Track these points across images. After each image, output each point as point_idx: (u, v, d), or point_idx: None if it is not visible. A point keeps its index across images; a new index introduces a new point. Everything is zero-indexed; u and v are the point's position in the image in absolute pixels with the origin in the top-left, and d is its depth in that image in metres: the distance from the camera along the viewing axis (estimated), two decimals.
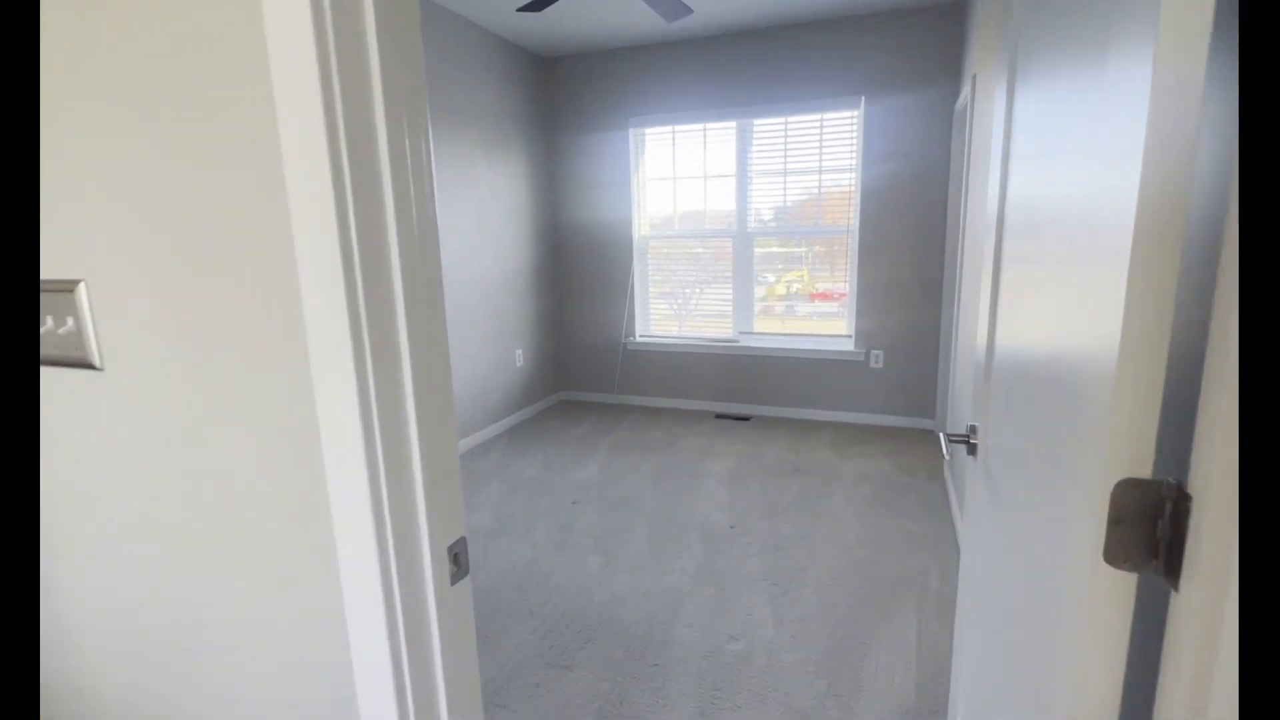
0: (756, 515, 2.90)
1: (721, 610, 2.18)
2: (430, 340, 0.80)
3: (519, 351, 4.36)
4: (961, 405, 2.75)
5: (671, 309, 4.66)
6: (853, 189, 4.02)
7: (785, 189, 4.17)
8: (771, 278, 4.37)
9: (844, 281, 4.21)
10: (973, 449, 1.27)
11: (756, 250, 4.34)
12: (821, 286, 4.28)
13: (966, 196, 3.02)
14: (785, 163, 4.13)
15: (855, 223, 4.04)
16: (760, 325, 4.44)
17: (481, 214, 3.90)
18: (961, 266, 3.09)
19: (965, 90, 3.21)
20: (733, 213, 4.33)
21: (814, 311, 4.31)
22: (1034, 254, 0.93)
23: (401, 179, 0.74)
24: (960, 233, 3.67)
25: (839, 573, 2.41)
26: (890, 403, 4.14)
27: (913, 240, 3.90)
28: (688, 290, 4.59)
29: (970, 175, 2.96)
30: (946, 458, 2.28)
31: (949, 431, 2.04)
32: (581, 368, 4.89)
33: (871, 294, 4.05)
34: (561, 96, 4.51)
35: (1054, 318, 0.80)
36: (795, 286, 4.32)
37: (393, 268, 0.75)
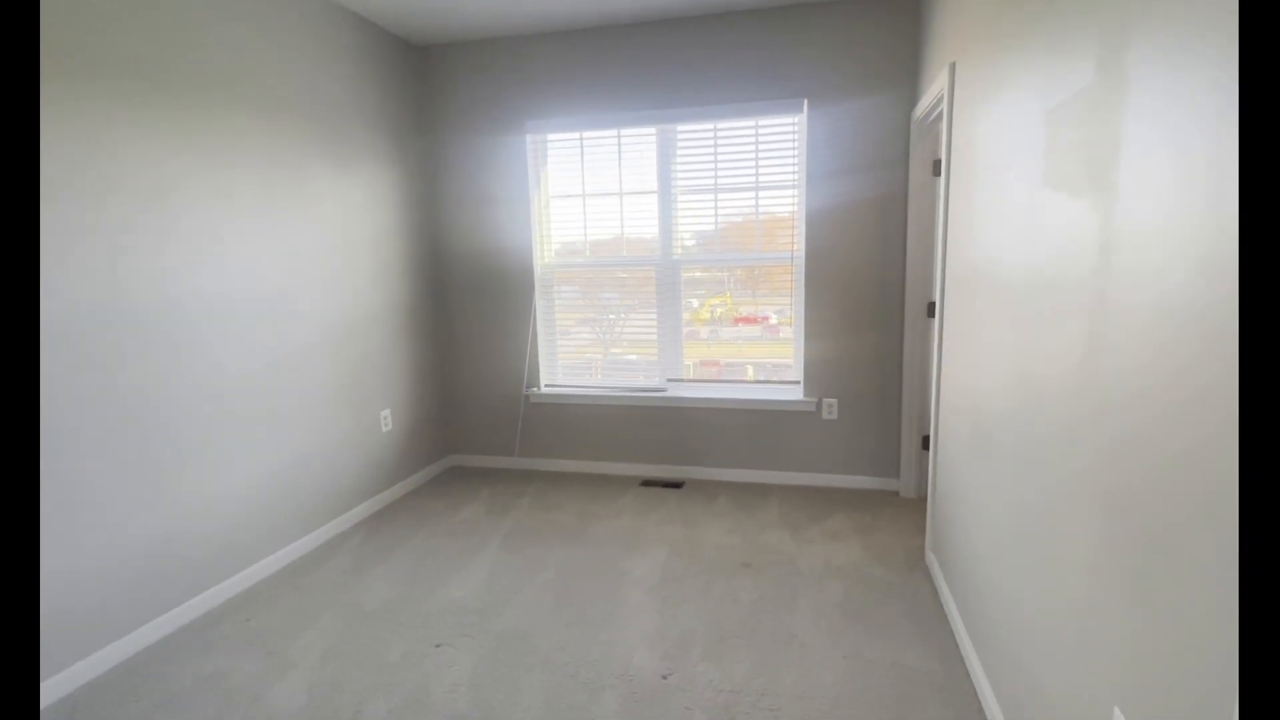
0: (697, 649, 2.09)
1: None
2: None
3: (386, 413, 3.40)
4: (944, 465, 2.08)
5: (583, 354, 3.84)
6: (795, 210, 3.38)
7: (716, 209, 3.48)
8: (695, 303, 3.66)
9: (768, 305, 3.55)
10: None
11: (689, 275, 3.62)
12: (744, 310, 3.60)
13: (947, 219, 2.39)
14: (716, 177, 3.45)
15: (800, 249, 3.39)
16: (692, 363, 3.69)
17: (326, 236, 2.97)
18: (943, 302, 2.45)
19: (932, 90, 2.63)
20: (655, 239, 3.59)
21: (739, 336, 3.62)
22: None
23: None
24: (935, 262, 3.08)
25: None
26: (848, 460, 3.48)
27: (868, 271, 3.29)
28: (603, 331, 3.80)
29: (951, 191, 2.34)
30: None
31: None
32: (475, 426, 3.97)
33: (821, 334, 3.40)
34: (440, 93, 3.66)
35: None
36: (719, 310, 3.62)
37: None
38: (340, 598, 2.46)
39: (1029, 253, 1.52)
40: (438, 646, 2.13)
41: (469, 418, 3.96)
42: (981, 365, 1.93)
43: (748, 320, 3.59)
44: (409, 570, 2.66)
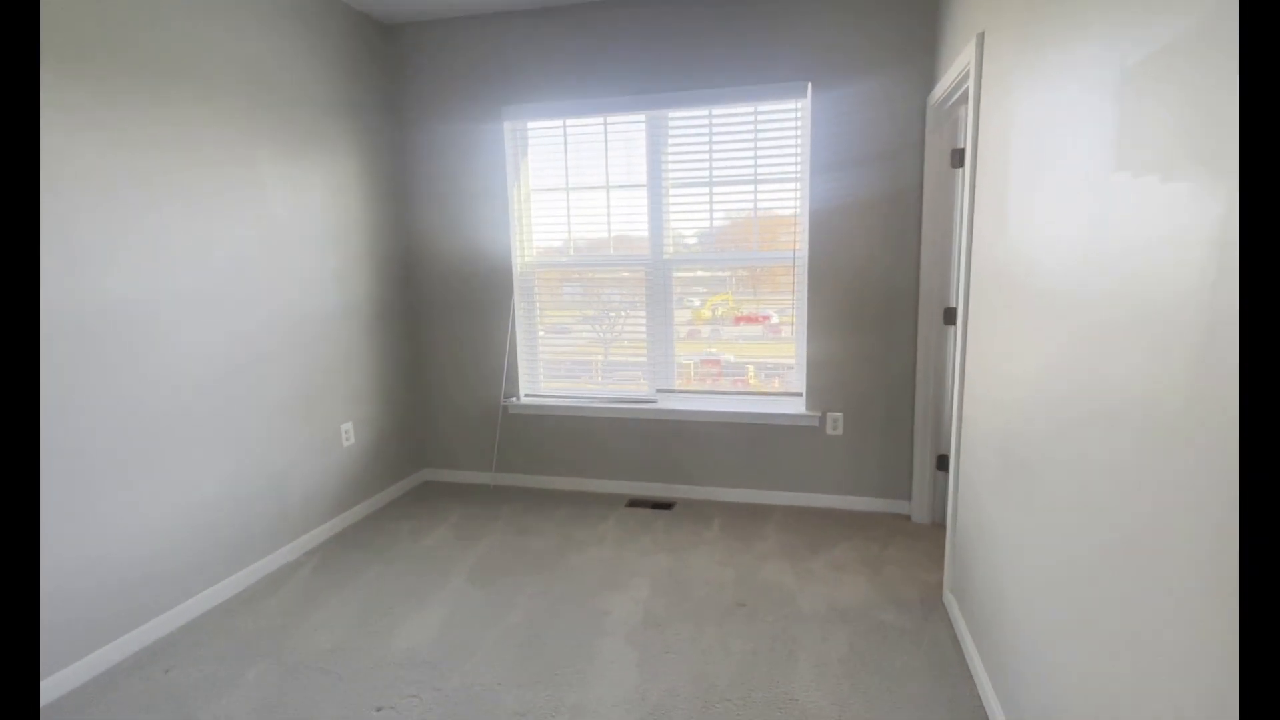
0: (680, 717, 1.78)
1: None
2: None
3: (347, 426, 3.10)
4: (967, 493, 1.76)
5: (567, 360, 3.54)
6: (798, 204, 3.07)
7: (711, 204, 3.18)
8: (697, 301, 3.35)
9: (769, 304, 3.24)
10: None
11: (678, 276, 3.31)
12: (746, 309, 3.29)
13: (972, 215, 2.09)
14: (711, 169, 3.14)
15: (802, 248, 3.08)
16: (693, 362, 3.39)
17: (278, 232, 2.67)
18: (966, 309, 2.15)
19: (954, 68, 2.32)
20: (645, 237, 3.29)
21: (740, 335, 3.31)
22: None
23: None
24: (953, 264, 2.77)
25: None
26: (855, 480, 3.17)
27: (877, 273, 2.98)
28: (589, 337, 3.49)
29: (979, 182, 2.03)
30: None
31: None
32: (450, 439, 3.66)
33: (826, 342, 3.09)
34: (410, 76, 3.36)
35: None
36: (721, 310, 3.31)
37: None
38: (276, 644, 2.15)
39: (1095, 251, 1.21)
40: (378, 710, 1.82)
41: (443, 430, 3.66)
42: (1017, 381, 1.62)
43: (749, 319, 3.28)
44: (359, 610, 2.35)
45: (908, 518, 3.07)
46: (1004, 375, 1.74)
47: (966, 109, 2.63)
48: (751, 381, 3.30)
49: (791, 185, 3.07)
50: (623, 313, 3.41)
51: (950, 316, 2.84)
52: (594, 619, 2.26)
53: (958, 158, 2.72)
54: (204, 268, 2.34)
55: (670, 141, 3.18)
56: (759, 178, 3.09)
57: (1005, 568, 1.70)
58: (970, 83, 2.03)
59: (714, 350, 3.35)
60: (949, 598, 2.27)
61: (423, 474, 3.70)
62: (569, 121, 3.27)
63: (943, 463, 2.95)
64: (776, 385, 3.27)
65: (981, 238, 1.99)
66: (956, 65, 2.28)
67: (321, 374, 2.92)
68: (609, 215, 3.32)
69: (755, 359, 3.30)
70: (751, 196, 3.12)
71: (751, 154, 3.08)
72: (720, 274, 3.29)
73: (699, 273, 3.30)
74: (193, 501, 2.33)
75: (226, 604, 2.41)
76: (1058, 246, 1.39)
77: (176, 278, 2.25)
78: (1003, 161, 1.77)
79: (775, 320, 3.24)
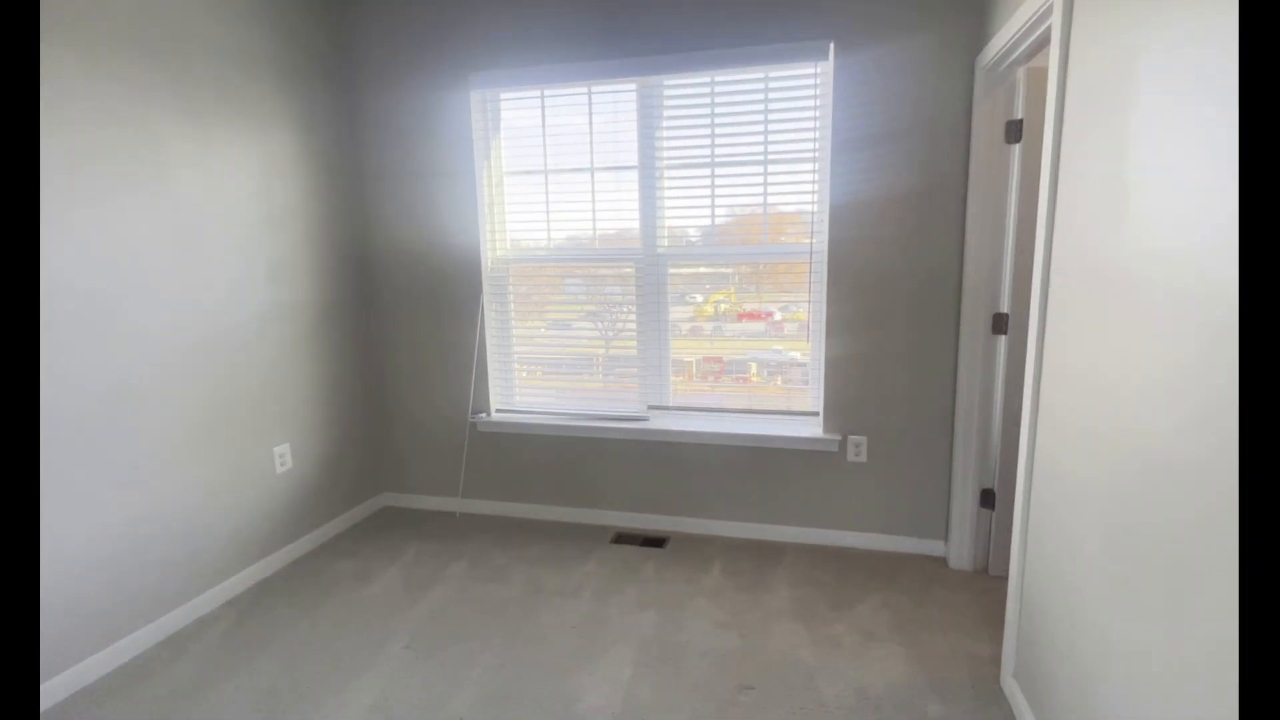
0: None
1: None
2: None
3: (283, 448, 2.62)
4: (1040, 549, 1.28)
5: (544, 371, 3.06)
6: (815, 189, 2.59)
7: (714, 188, 2.69)
8: (700, 298, 2.86)
9: (774, 303, 2.76)
10: None
11: (675, 274, 2.83)
12: (750, 306, 2.81)
13: (1053, 198, 1.60)
14: (713, 146, 2.66)
15: (820, 241, 2.60)
16: (695, 360, 2.90)
17: (188, 219, 2.19)
18: (1043, 314, 1.66)
19: (1017, 17, 1.83)
20: (635, 227, 2.81)
21: (743, 332, 2.82)
22: None
23: None
24: (1006, 260, 2.27)
25: None
26: (881, 515, 2.69)
27: (910, 271, 2.49)
28: (569, 342, 3.01)
29: (1066, 155, 1.54)
30: None
31: None
32: (412, 459, 3.20)
33: (848, 352, 2.61)
34: (361, 37, 2.87)
35: None
36: (724, 306, 2.83)
37: None
38: None
39: None
40: None
41: (404, 450, 3.19)
42: (1148, 428, 1.14)
43: (752, 316, 2.80)
44: (266, 691, 1.88)
45: (944, 562, 2.59)
46: (1119, 414, 1.26)
47: (1026, 72, 2.14)
48: (754, 379, 2.82)
49: (807, 167, 2.58)
50: (609, 317, 2.93)
51: (1001, 324, 2.35)
52: (561, 709, 1.79)
53: (1014, 131, 2.23)
54: (86, 264, 1.87)
55: (665, 115, 2.69)
56: (770, 157, 2.61)
57: (1117, 682, 1.22)
58: (1055, 18, 1.54)
59: (716, 349, 2.87)
60: (1010, 684, 1.79)
61: (382, 498, 3.24)
62: (547, 91, 2.79)
63: (988, 499, 2.47)
64: (780, 383, 2.79)
65: (1071, 226, 1.50)
66: (1021, 13, 1.79)
67: (247, 389, 2.45)
68: (594, 202, 2.84)
69: (759, 356, 2.82)
70: (761, 179, 2.63)
71: (761, 129, 2.59)
72: (724, 270, 2.81)
73: (701, 269, 2.82)
74: (72, 552, 1.86)
75: (107, 680, 1.94)
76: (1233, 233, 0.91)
77: (47, 278, 1.78)
78: (1119, 123, 1.28)
79: (778, 317, 2.76)
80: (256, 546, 2.51)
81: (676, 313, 2.86)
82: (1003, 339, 2.35)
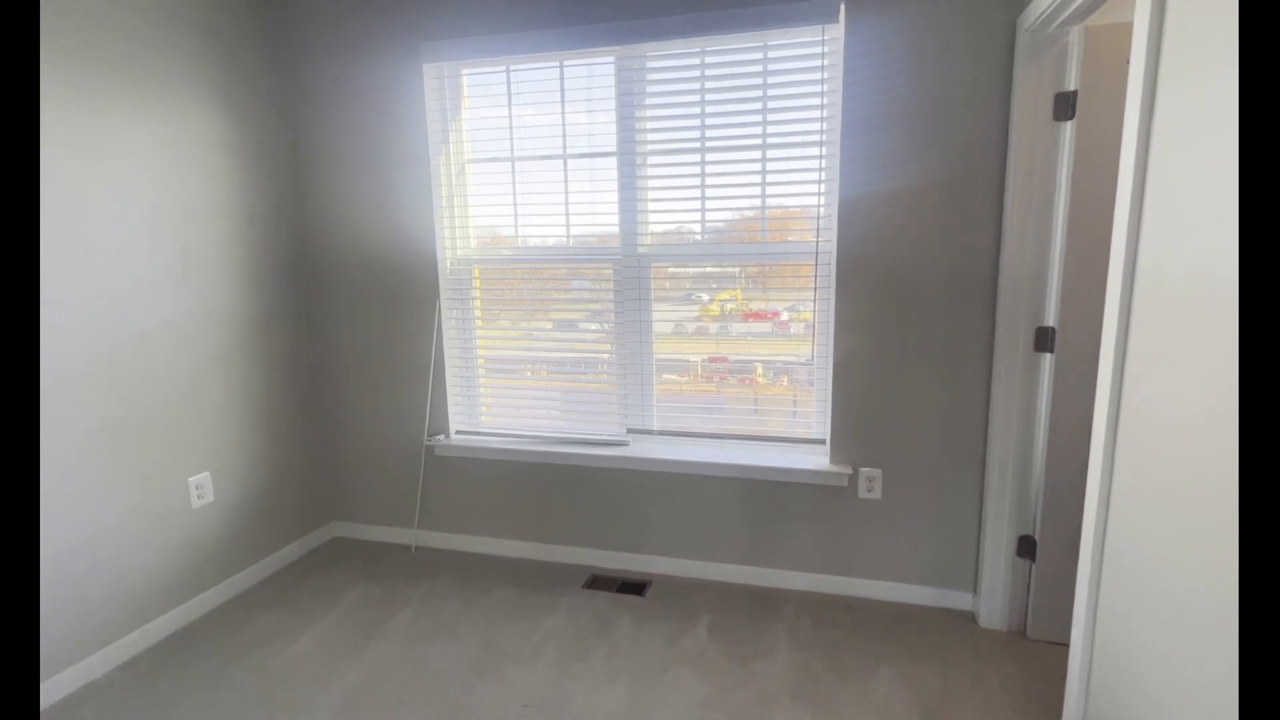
0: None
1: None
2: None
3: (201, 478, 2.26)
4: (1123, 624, 0.94)
5: (509, 387, 2.68)
6: (822, 179, 2.20)
7: (703, 179, 2.31)
8: (706, 297, 2.47)
9: (778, 301, 2.37)
10: None
11: (679, 271, 2.45)
12: (755, 306, 2.42)
13: (1140, 183, 1.20)
14: (703, 129, 2.28)
15: (829, 238, 2.21)
16: (699, 360, 2.52)
17: (70, 212, 1.83)
18: (1125, 330, 1.26)
19: None
20: (613, 222, 2.43)
21: (749, 331, 2.43)
22: None
23: None
24: (1052, 260, 1.88)
25: None
26: (897, 561, 2.30)
27: (935, 275, 2.10)
28: (538, 355, 2.64)
29: (1160, 123, 1.15)
30: None
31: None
32: (363, 486, 2.83)
33: (860, 370, 2.22)
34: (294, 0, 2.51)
35: None
36: (729, 306, 2.44)
37: None
38: None
39: None
40: None
41: (355, 475, 2.82)
42: None
43: (758, 316, 2.41)
44: None
45: (972, 618, 2.20)
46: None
47: (1081, 32, 1.75)
48: (759, 380, 2.43)
49: (814, 150, 2.19)
50: (584, 327, 2.56)
51: (1046, 340, 1.96)
52: None
53: (1065, 106, 1.84)
54: None
55: (649, 93, 2.31)
56: (769, 141, 2.22)
57: None
58: None
59: (721, 349, 2.48)
60: None
61: (332, 529, 2.87)
62: (514, 66, 2.42)
63: (1027, 547, 2.07)
64: (785, 383, 2.40)
65: (1165, 217, 1.11)
66: None
67: (157, 410, 2.09)
68: (567, 194, 2.46)
69: (763, 357, 2.42)
70: (759, 166, 2.25)
71: (759, 106, 2.21)
72: (710, 269, 2.42)
73: (689, 269, 2.44)
74: None
75: None
76: None
77: None
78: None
79: (785, 317, 2.37)
80: (163, 597, 2.15)
81: (683, 311, 2.47)
82: (1047, 357, 1.96)
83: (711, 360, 2.47)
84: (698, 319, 2.47)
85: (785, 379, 2.41)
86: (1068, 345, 1.90)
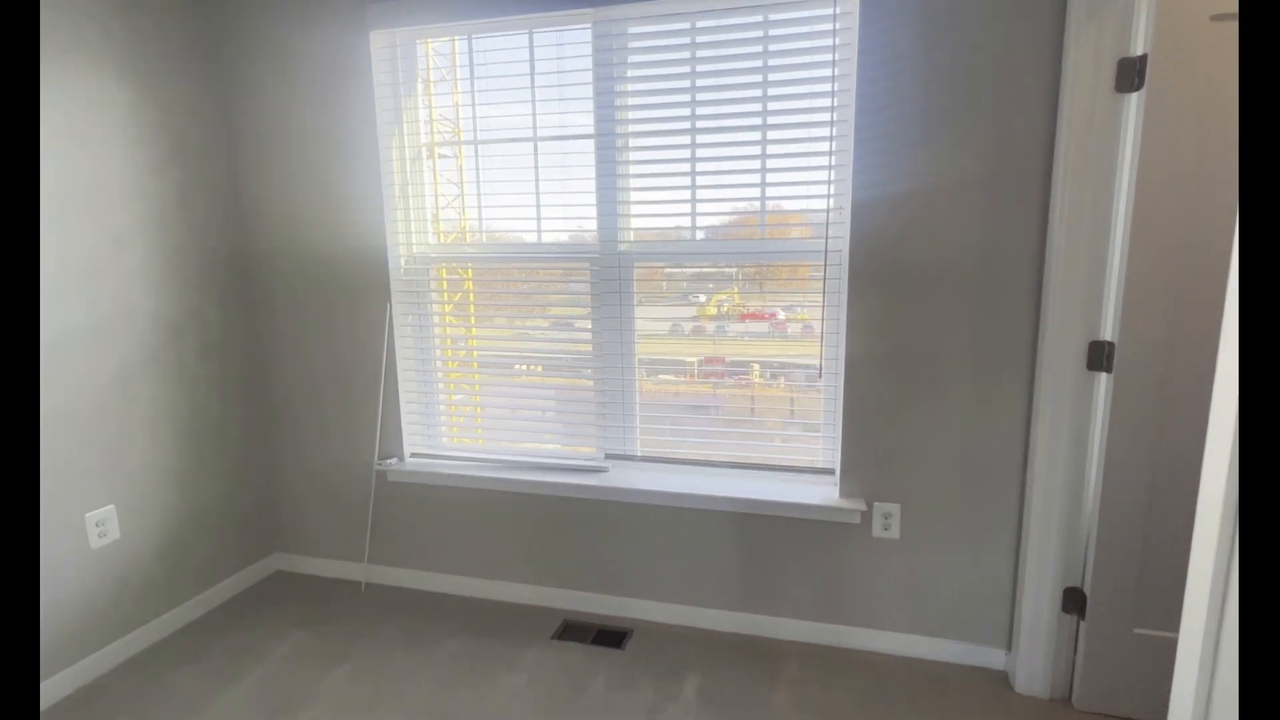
0: None
1: None
2: None
3: (103, 514, 1.92)
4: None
5: (473, 407, 2.35)
6: (832, 166, 1.88)
7: (694, 167, 1.98)
8: (703, 298, 2.14)
9: (776, 302, 2.05)
10: None
11: (669, 273, 2.12)
12: (752, 305, 2.10)
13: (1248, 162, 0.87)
14: (694, 107, 1.95)
15: (839, 235, 1.89)
16: (696, 360, 2.19)
17: None
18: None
19: None
20: (590, 217, 2.10)
21: (746, 332, 2.10)
22: None
23: None
24: (1113, 258, 1.55)
25: None
26: (917, 610, 1.98)
27: (966, 278, 1.78)
28: (505, 368, 2.31)
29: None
30: None
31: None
32: (306, 513, 2.49)
33: (875, 389, 1.89)
34: None
35: None
36: (726, 306, 2.11)
37: None
38: None
39: None
40: None
41: (298, 501, 2.49)
42: None
43: (755, 316, 2.08)
44: None
45: (1006, 680, 1.88)
46: None
47: None
48: (756, 380, 2.10)
49: (822, 132, 1.87)
50: (554, 337, 2.23)
51: (1101, 357, 1.64)
52: None
53: (1130, 74, 1.52)
54: None
55: (631, 66, 1.99)
56: (769, 122, 1.90)
57: None
58: None
59: (719, 350, 2.15)
60: None
61: (274, 561, 2.54)
62: (476, 35, 2.09)
63: (1075, 601, 1.75)
64: (783, 386, 2.08)
65: None
66: None
67: (44, 435, 1.75)
68: (537, 183, 2.13)
69: (762, 357, 2.10)
70: (759, 150, 1.93)
71: (759, 83, 1.89)
72: (708, 269, 2.10)
73: (681, 268, 2.11)
74: None
75: None
76: None
77: None
78: None
79: (782, 316, 2.05)
80: (49, 656, 1.81)
81: (680, 311, 2.15)
82: (1103, 377, 1.64)
83: (707, 361, 2.15)
84: (694, 319, 2.15)
85: (783, 380, 2.09)
86: (1129, 364, 1.58)
